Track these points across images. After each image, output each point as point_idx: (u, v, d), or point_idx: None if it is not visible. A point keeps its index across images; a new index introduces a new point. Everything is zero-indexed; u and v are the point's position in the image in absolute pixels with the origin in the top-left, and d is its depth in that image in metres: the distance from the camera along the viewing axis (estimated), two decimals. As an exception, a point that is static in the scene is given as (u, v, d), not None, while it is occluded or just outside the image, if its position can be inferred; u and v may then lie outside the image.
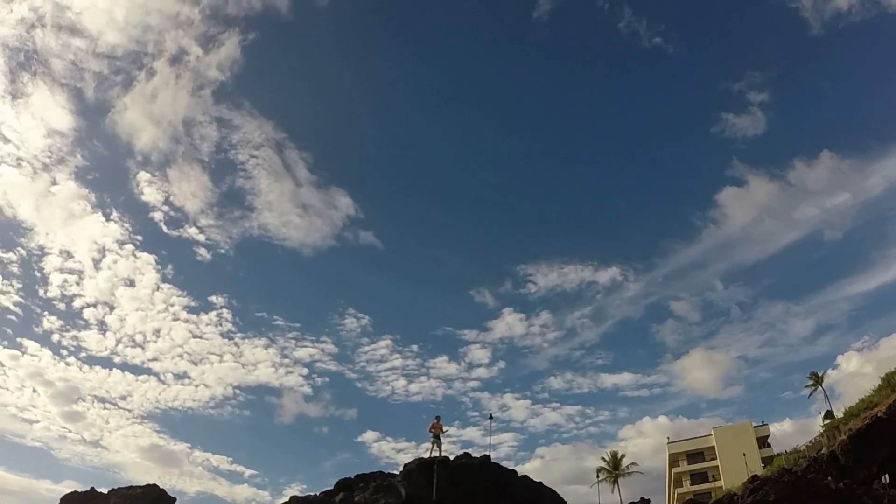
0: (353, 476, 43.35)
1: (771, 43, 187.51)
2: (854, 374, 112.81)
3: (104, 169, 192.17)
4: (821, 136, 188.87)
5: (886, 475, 38.95)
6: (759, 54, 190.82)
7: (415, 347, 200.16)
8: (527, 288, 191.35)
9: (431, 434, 43.54)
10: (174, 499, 48.16)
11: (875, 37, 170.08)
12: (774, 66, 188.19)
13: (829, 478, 39.74)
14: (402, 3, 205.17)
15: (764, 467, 65.70)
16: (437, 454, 42.41)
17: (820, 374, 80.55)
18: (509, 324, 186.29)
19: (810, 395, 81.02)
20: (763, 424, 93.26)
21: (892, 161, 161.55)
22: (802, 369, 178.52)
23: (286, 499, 42.94)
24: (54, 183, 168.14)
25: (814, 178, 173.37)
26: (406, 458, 43.53)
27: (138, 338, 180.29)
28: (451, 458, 42.47)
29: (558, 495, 42.72)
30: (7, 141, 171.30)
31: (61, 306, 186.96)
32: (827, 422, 60.24)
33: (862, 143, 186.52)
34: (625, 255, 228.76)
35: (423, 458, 42.55)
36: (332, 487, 42.66)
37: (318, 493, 41.98)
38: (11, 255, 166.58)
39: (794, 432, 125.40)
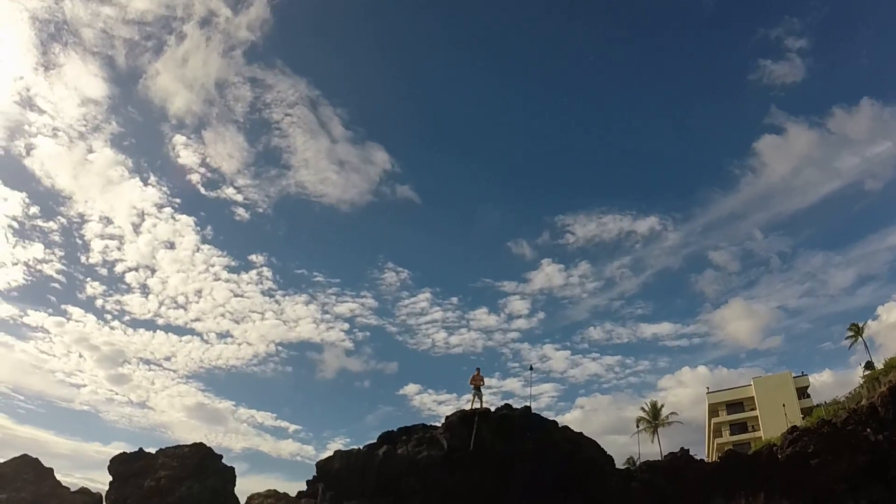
0: (395, 429, 44.19)
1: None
2: (895, 326, 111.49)
3: (140, 134, 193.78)
4: (861, 84, 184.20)
5: (927, 427, 38.88)
6: (798, 1, 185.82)
7: (454, 300, 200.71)
8: (565, 238, 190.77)
9: (472, 386, 44.18)
10: (220, 456, 49.54)
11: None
12: (813, 12, 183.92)
13: (869, 430, 39.81)
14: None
15: (803, 418, 65.73)
16: (478, 406, 43.09)
17: (860, 325, 79.89)
18: (548, 275, 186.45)
19: (850, 346, 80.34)
20: (802, 375, 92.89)
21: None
22: (843, 320, 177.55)
23: (330, 453, 44.02)
24: (91, 151, 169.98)
25: (854, 127, 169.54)
26: (447, 410, 44.45)
27: (180, 299, 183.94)
28: (492, 409, 43.16)
29: (598, 445, 43.23)
30: (42, 112, 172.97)
31: (103, 272, 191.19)
32: (867, 373, 60.00)
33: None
34: (663, 205, 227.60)
35: (464, 409, 43.32)
36: (375, 441, 43.58)
37: (361, 447, 42.87)
38: (52, 224, 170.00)
39: (833, 383, 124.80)
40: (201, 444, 49.32)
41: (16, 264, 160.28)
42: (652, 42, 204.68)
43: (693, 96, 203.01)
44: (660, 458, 47.79)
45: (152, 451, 48.62)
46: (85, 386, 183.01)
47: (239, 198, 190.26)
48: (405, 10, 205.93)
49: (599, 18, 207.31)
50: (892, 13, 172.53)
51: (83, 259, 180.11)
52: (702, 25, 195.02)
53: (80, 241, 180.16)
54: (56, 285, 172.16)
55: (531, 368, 54.11)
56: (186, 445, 48.83)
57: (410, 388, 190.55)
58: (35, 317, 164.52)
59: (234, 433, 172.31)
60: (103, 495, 48.21)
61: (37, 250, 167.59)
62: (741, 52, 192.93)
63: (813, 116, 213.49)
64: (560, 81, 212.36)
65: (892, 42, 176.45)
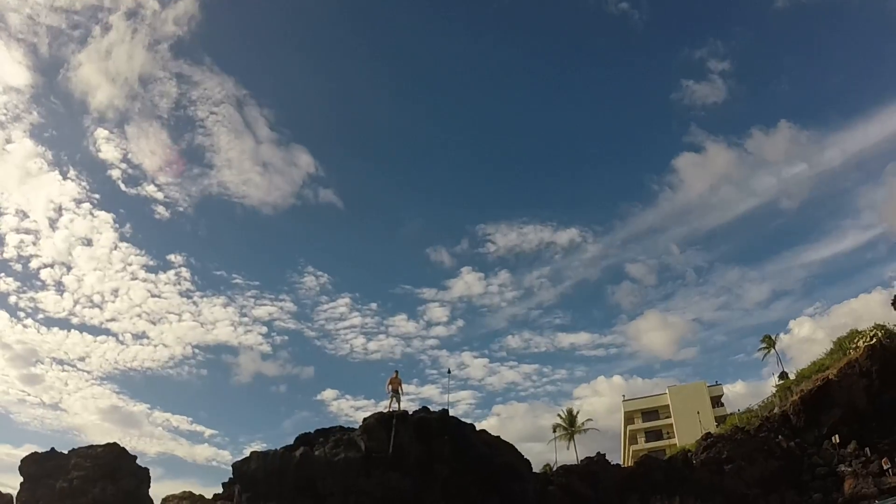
0: (312, 431, 43.44)
1: (735, 13, 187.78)
2: (805, 340, 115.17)
3: (61, 126, 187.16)
4: (780, 107, 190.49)
5: (836, 436, 39.85)
6: (723, 23, 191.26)
7: (374, 306, 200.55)
8: (486, 247, 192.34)
9: (390, 388, 43.77)
10: (135, 457, 47.99)
11: (840, 12, 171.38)
12: (737, 37, 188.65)
13: (781, 437, 40.69)
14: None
15: (717, 426, 66.92)
16: (395, 408, 42.67)
17: (773, 338, 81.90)
18: (468, 283, 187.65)
19: (763, 357, 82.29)
20: (717, 385, 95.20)
21: (850, 134, 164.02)
22: (756, 333, 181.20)
23: (246, 457, 42.93)
24: (9, 141, 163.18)
25: (771, 148, 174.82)
26: (365, 415, 43.62)
27: (96, 298, 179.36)
28: (410, 412, 42.73)
29: (516, 450, 43.11)
30: None
31: (17, 267, 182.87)
32: (780, 382, 61.37)
33: (820, 116, 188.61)
34: (585, 217, 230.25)
35: (382, 412, 42.77)
36: (292, 443, 42.72)
37: (278, 449, 41.97)
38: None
39: (746, 394, 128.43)
40: (115, 444, 47.62)
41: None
42: (579, 56, 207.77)
43: (617, 111, 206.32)
44: (576, 463, 47.97)
45: (65, 451, 46.83)
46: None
47: (160, 196, 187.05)
48: (334, 15, 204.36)
49: (524, 30, 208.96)
50: (813, 42, 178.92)
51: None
52: (630, 43, 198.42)
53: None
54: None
55: (449, 373, 54.07)
56: (100, 446, 47.14)
57: (328, 394, 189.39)
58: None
59: (148, 437, 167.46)
60: (14, 497, 46.23)
61: None
62: (665, 71, 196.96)
63: (732, 136, 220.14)
64: (485, 91, 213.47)
65: (812, 69, 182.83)
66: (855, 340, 48.14)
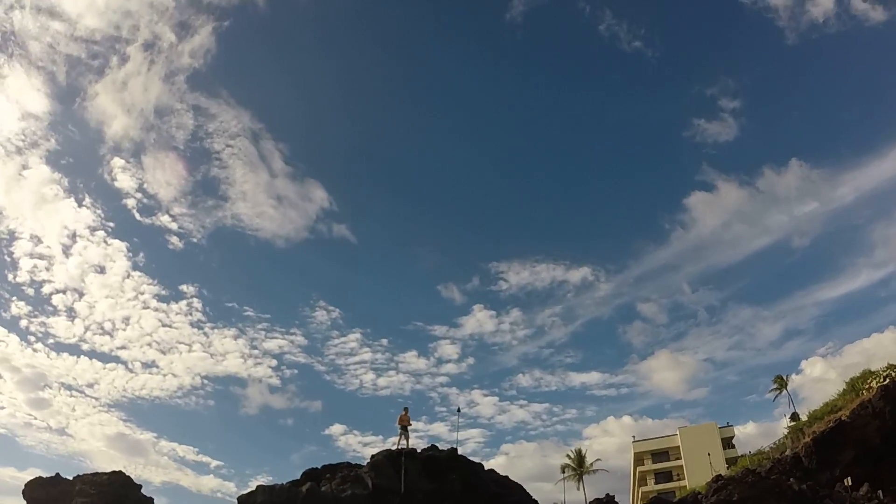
0: (319, 467, 43.27)
1: (746, 51, 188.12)
2: (818, 380, 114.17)
3: (78, 154, 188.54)
4: (791, 145, 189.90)
5: (849, 478, 39.44)
6: (734, 62, 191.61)
7: (384, 341, 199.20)
8: (498, 285, 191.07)
9: (399, 426, 43.61)
10: (140, 486, 47.77)
11: (850, 49, 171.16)
12: (748, 74, 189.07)
13: (793, 479, 40.19)
14: (380, 1, 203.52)
15: (728, 468, 66.30)
16: (404, 445, 42.47)
17: (785, 378, 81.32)
18: (480, 320, 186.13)
19: (775, 398, 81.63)
20: (728, 426, 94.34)
21: (862, 172, 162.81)
22: (769, 373, 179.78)
23: (252, 489, 42.73)
24: (26, 167, 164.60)
25: (783, 186, 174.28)
26: (373, 451, 43.49)
27: (107, 325, 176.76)
28: (419, 450, 42.52)
29: (525, 489, 42.87)
30: None
31: (30, 292, 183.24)
32: (792, 423, 60.86)
33: (832, 154, 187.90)
34: (597, 256, 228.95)
35: (390, 449, 42.59)
36: (298, 478, 42.52)
37: (284, 483, 41.79)
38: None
39: (757, 434, 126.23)
40: (120, 472, 47.43)
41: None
42: (592, 93, 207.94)
43: (630, 149, 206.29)
44: (586, 504, 47.56)
45: (69, 478, 46.69)
46: (3, 408, 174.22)
47: (174, 226, 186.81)
48: (352, 52, 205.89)
49: (539, 69, 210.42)
50: (824, 79, 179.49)
51: (10, 277, 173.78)
52: (642, 80, 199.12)
53: (8, 259, 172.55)
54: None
55: (458, 411, 53.77)
56: (105, 474, 46.98)
57: (336, 429, 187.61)
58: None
59: (154, 466, 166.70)
60: (15, 521, 46.07)
61: None
62: (677, 109, 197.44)
63: (743, 175, 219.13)
64: (500, 130, 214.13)
65: (824, 106, 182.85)
66: (868, 381, 47.87)
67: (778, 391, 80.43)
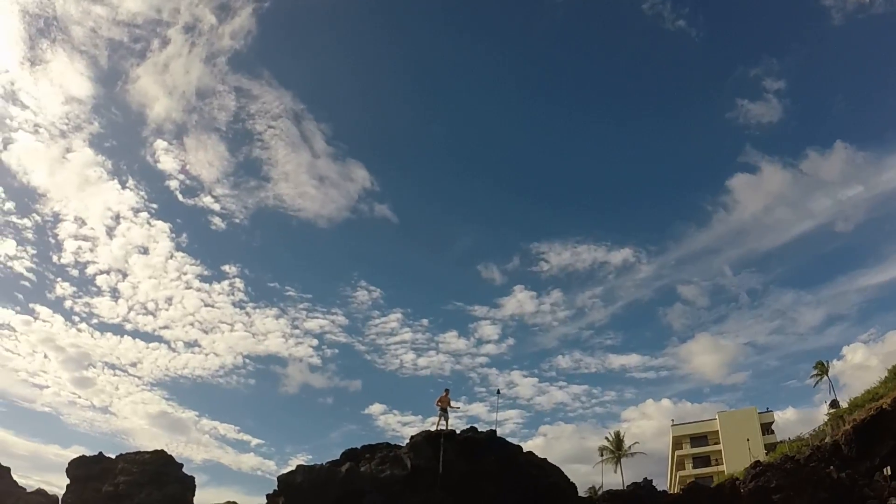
0: (359, 447, 43.82)
1: (791, 31, 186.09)
2: (859, 367, 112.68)
3: (121, 136, 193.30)
4: (836, 128, 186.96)
5: (888, 468, 39.13)
6: (779, 42, 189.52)
7: (425, 321, 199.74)
8: (539, 266, 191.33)
9: (439, 407, 43.81)
10: (181, 464, 48.96)
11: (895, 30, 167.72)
12: (793, 55, 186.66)
13: (832, 467, 40.02)
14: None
15: (767, 454, 65.98)
16: (443, 427, 42.80)
17: (826, 364, 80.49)
18: (520, 301, 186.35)
19: (815, 384, 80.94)
20: (767, 411, 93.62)
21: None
22: (810, 359, 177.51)
23: (292, 468, 43.52)
24: (70, 150, 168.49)
25: (827, 169, 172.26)
26: (412, 431, 44.04)
27: (150, 305, 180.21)
28: (458, 432, 42.90)
29: (562, 472, 43.10)
30: (25, 107, 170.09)
31: (74, 273, 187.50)
32: (832, 411, 60.42)
33: (878, 137, 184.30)
34: (639, 237, 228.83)
35: (429, 430, 43.05)
36: (338, 458, 43.17)
37: (324, 463, 42.48)
38: (26, 221, 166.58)
39: (796, 421, 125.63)
40: (162, 451, 48.76)
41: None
42: (633, 75, 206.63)
43: (672, 131, 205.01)
44: (622, 488, 47.69)
45: (112, 456, 47.92)
46: (48, 387, 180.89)
47: (216, 207, 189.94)
48: (392, 31, 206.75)
49: (582, 47, 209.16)
50: (870, 61, 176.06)
51: (55, 258, 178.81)
52: (686, 61, 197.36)
53: (52, 241, 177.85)
54: (26, 283, 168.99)
55: (498, 393, 54.22)
56: (147, 452, 48.30)
57: (376, 408, 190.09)
58: (2, 314, 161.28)
59: (195, 444, 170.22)
60: (60, 498, 47.37)
61: (9, 247, 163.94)
62: (721, 90, 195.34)
63: (787, 157, 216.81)
64: (542, 109, 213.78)
65: (870, 89, 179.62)
66: (911, 369, 47.39)
67: (819, 377, 79.71)
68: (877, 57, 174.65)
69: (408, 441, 42.83)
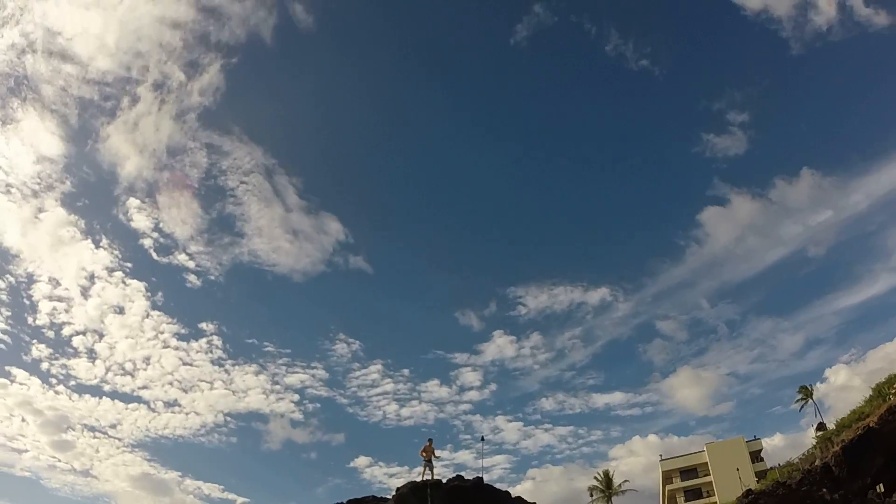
0: (344, 501, 42.95)
1: (751, 63, 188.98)
2: (842, 388, 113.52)
3: (93, 195, 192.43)
4: (801, 155, 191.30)
5: (881, 485, 38.88)
6: (740, 75, 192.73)
7: (406, 371, 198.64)
8: (517, 310, 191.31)
9: (423, 457, 43.21)
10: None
11: (855, 56, 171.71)
12: (755, 86, 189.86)
13: (824, 489, 39.69)
14: (386, 27, 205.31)
15: (758, 481, 65.56)
16: (429, 477, 42.08)
17: (810, 388, 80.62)
18: (500, 346, 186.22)
19: (801, 408, 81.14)
20: (755, 439, 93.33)
21: (874, 178, 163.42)
22: (793, 384, 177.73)
23: (278, 527, 42.53)
24: (42, 209, 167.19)
25: (795, 196, 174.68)
26: (399, 482, 43.24)
27: (128, 365, 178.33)
28: (444, 481, 42.14)
29: (553, 515, 42.40)
30: None
31: (50, 334, 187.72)
32: (819, 433, 60.21)
33: (843, 161, 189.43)
34: (614, 275, 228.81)
35: (415, 481, 42.24)
36: (324, 513, 42.30)
37: (310, 520, 41.57)
38: (0, 283, 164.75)
39: (784, 446, 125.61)
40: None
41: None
42: (599, 115, 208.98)
43: (640, 168, 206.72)
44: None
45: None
46: (27, 451, 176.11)
47: (191, 264, 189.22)
48: (361, 81, 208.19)
49: (546, 92, 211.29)
50: (831, 87, 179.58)
51: (30, 320, 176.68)
52: (650, 99, 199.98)
53: (27, 302, 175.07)
54: (1, 345, 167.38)
55: (482, 439, 53.39)
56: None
57: (361, 461, 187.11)
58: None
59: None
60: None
61: None
62: (686, 125, 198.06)
63: (755, 187, 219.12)
64: (511, 153, 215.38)
65: (832, 115, 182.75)
66: (894, 385, 47.30)
67: (804, 401, 79.90)
68: (837, 83, 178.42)
69: (393, 493, 41.97)
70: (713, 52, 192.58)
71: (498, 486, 43.33)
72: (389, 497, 41.91)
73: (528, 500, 42.94)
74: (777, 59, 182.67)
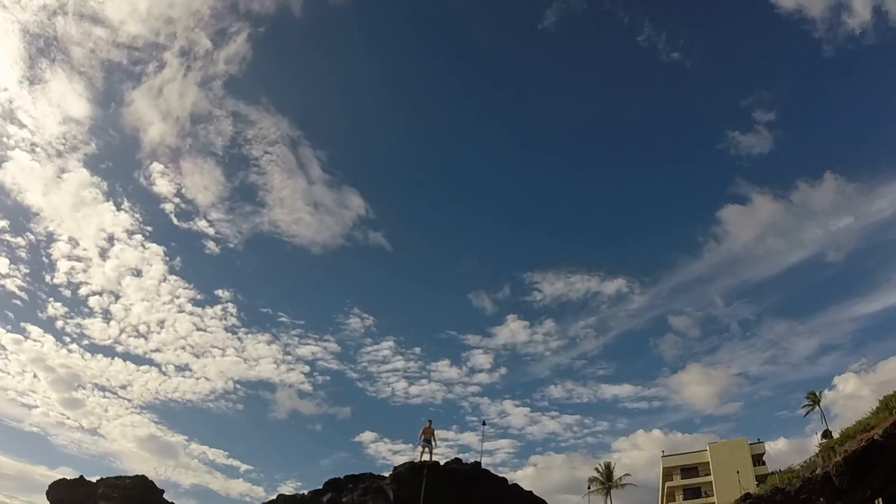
0: (342, 477, 43.16)
1: (782, 63, 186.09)
2: (850, 396, 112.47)
3: (117, 158, 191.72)
4: (826, 158, 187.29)
5: (880, 499, 38.51)
6: (770, 73, 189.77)
7: (417, 350, 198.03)
8: (532, 296, 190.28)
9: (422, 438, 43.32)
10: (162, 491, 48.10)
11: (887, 61, 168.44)
12: (784, 86, 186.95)
13: (823, 499, 39.42)
14: (415, 5, 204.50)
15: (758, 485, 65.26)
16: (427, 458, 42.18)
17: (818, 394, 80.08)
18: (513, 330, 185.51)
19: (806, 414, 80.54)
20: (759, 442, 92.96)
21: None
22: (803, 388, 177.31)
23: (280, 494, 42.86)
24: (65, 170, 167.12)
25: (818, 200, 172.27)
26: (403, 459, 43.36)
27: (142, 328, 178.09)
28: (442, 463, 42.22)
29: (548, 504, 42.44)
30: (23, 126, 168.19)
31: (67, 293, 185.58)
32: (823, 441, 59.80)
33: (868, 167, 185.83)
34: (631, 267, 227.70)
35: (413, 461, 42.33)
36: (321, 487, 42.49)
37: (306, 493, 41.79)
38: (20, 240, 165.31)
39: (788, 451, 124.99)
40: (143, 476, 48.18)
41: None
42: (629, 104, 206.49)
43: (665, 161, 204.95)
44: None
45: (93, 479, 47.08)
46: (37, 407, 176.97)
47: (211, 231, 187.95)
48: (388, 59, 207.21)
49: (576, 79, 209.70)
50: (861, 91, 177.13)
51: (48, 278, 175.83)
52: (679, 92, 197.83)
53: (46, 260, 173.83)
54: (17, 302, 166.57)
55: (484, 423, 53.42)
56: (128, 477, 47.64)
57: (367, 436, 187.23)
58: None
59: (184, 468, 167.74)
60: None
61: (1, 265, 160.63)
62: (712, 122, 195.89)
63: (777, 188, 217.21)
64: (535, 140, 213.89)
65: (860, 119, 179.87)
66: (901, 400, 46.83)
67: (810, 407, 79.31)
68: (867, 87, 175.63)
69: (392, 471, 42.10)
70: (744, 50, 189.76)
71: (500, 470, 43.70)
72: (387, 475, 42.05)
73: (529, 487, 43.10)
74: (808, 60, 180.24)
